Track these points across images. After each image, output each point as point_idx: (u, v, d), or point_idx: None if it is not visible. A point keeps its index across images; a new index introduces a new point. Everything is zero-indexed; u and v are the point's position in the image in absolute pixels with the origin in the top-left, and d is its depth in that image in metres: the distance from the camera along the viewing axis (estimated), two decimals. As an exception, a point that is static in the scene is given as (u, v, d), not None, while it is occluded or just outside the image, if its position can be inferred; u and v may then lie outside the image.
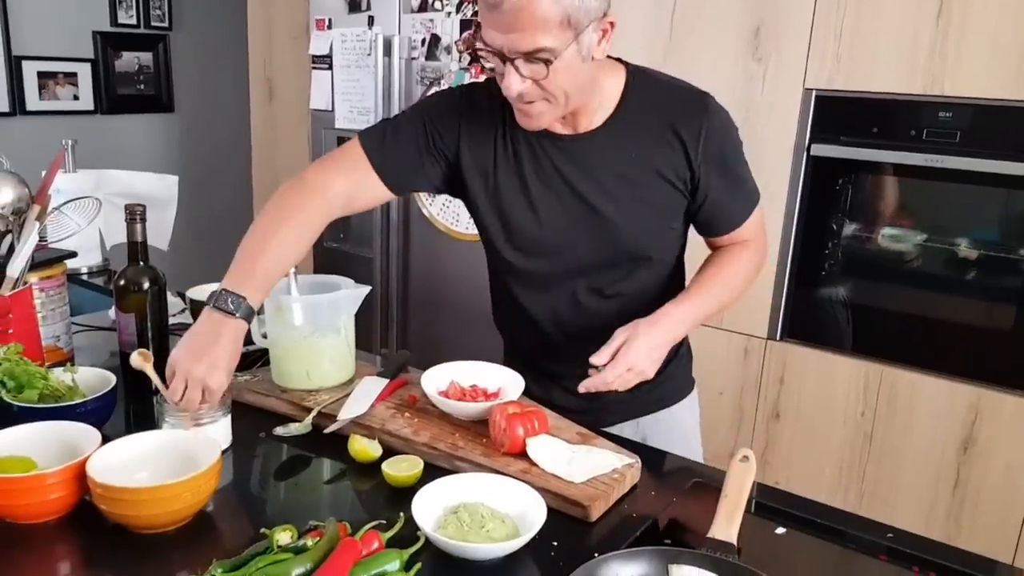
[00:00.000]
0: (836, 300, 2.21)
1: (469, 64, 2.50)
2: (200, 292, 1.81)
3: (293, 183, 1.29)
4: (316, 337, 1.37)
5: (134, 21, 3.83)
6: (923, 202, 2.09)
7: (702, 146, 1.25)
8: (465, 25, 2.50)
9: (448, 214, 2.62)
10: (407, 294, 2.83)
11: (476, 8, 2.44)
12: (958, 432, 2.03)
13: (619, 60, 1.30)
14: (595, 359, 1.21)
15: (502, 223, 1.34)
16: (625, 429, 1.45)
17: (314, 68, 2.94)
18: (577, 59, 1.13)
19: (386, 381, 1.39)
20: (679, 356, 1.48)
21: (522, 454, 1.19)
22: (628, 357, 1.19)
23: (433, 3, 2.57)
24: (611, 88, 1.27)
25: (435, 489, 1.06)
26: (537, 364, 1.46)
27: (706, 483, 1.22)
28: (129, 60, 3.86)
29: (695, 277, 1.34)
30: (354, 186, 1.30)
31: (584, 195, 1.29)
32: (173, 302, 1.89)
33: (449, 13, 2.54)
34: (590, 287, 1.36)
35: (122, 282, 1.41)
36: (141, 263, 1.41)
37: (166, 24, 3.95)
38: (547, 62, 1.11)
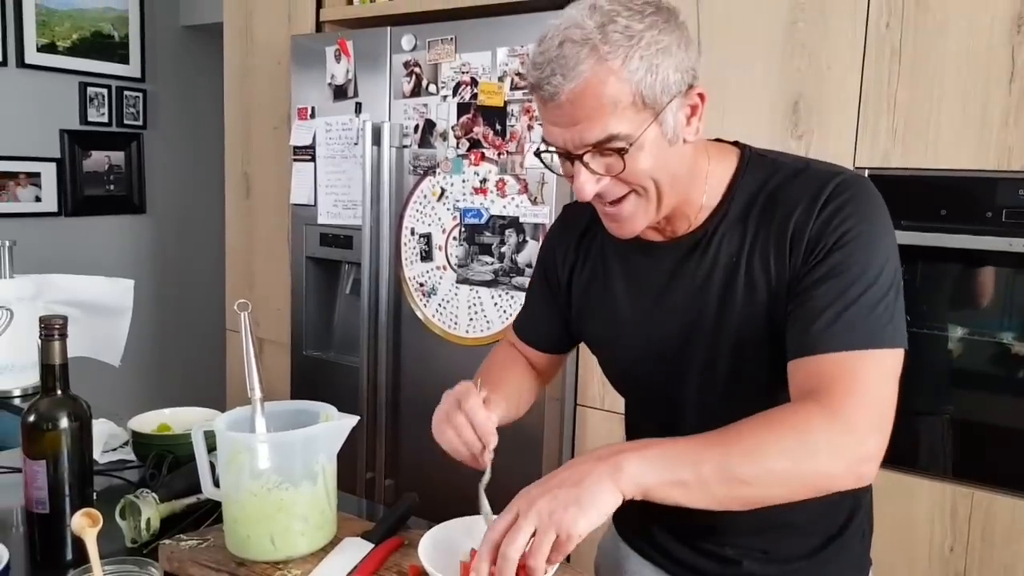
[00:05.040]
0: (909, 411, 1.87)
1: (468, 150, 2.24)
2: (146, 422, 1.46)
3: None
4: (285, 488, 1.03)
5: (106, 119, 3.60)
6: (1004, 293, 1.79)
7: (811, 232, 0.93)
8: (462, 109, 2.25)
9: (445, 316, 2.30)
10: (398, 410, 2.46)
11: (474, 92, 2.21)
12: (1072, 569, 1.68)
13: (735, 144, 1.04)
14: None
15: (598, 345, 1.17)
16: None
17: (295, 160, 2.67)
18: (662, 143, 0.90)
19: (369, 547, 1.04)
20: (852, 526, 1.07)
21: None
22: (525, 500, 0.79)
23: (427, 87, 2.33)
24: (719, 178, 1.00)
25: None
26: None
27: None
28: (99, 159, 3.59)
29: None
30: (537, 365, 1.26)
31: (677, 310, 1.02)
32: (114, 433, 1.54)
33: (445, 97, 2.30)
34: (701, 402, 1.03)
35: (31, 418, 1.07)
36: (59, 392, 1.08)
37: (140, 123, 3.72)
38: (621, 152, 0.88)
